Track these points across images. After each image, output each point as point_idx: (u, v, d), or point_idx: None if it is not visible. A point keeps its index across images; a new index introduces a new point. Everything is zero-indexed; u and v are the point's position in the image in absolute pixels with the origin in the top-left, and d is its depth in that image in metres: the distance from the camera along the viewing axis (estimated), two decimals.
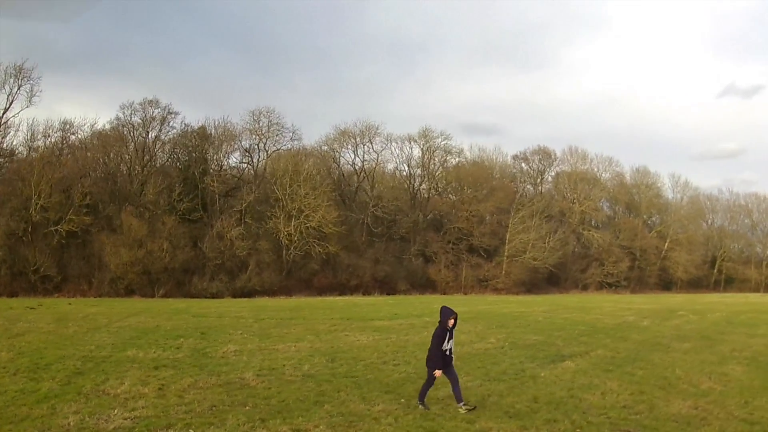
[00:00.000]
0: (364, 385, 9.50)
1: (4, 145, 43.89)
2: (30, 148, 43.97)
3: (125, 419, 7.32)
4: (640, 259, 54.94)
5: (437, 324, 8.17)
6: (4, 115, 42.16)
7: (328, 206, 40.51)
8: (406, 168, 51.11)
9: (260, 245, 39.62)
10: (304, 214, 40.60)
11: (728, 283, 57.71)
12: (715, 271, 57.84)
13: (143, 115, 42.87)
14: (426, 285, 46.08)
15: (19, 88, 41.60)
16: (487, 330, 17.13)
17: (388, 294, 42.96)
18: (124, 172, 41.45)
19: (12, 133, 42.82)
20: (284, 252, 40.98)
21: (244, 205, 40.82)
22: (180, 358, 11.80)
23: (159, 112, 43.09)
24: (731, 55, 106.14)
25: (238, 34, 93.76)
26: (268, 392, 8.90)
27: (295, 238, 40.27)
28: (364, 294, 41.90)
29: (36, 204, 38.27)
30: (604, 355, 12.92)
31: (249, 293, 38.59)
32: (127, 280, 36.72)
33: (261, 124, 45.68)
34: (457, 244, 48.50)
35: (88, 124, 43.27)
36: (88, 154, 42.47)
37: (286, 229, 40.14)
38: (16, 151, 44.66)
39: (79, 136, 43.74)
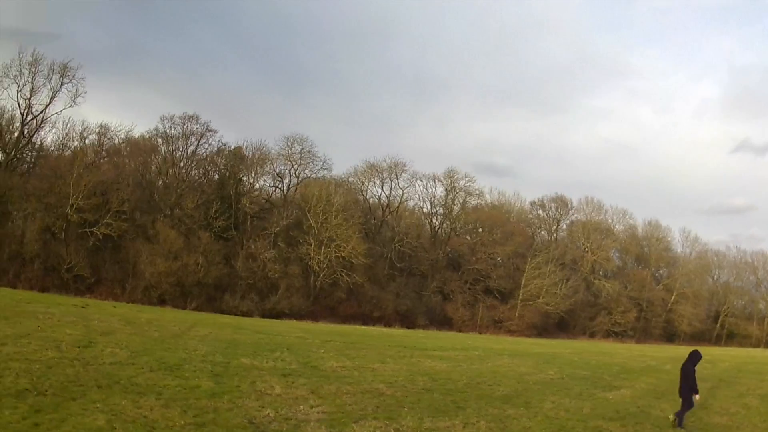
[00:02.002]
0: (481, 397, 12.61)
1: (41, 141, 47.20)
2: (62, 147, 47.32)
3: (318, 413, 9.82)
4: (646, 310, 58.60)
5: (686, 360, 11.56)
6: (44, 111, 45.61)
7: (359, 237, 43.98)
8: (428, 206, 55.03)
9: (291, 269, 42.84)
10: (335, 243, 44.01)
11: (729, 337, 61.35)
12: (718, 325, 61.57)
13: (182, 129, 46.62)
14: (443, 321, 49.21)
15: (61, 86, 45.16)
16: (540, 365, 20.47)
17: (407, 327, 45.97)
18: (161, 183, 44.71)
19: (47, 129, 46.16)
20: (312, 278, 44.20)
21: (277, 228, 44.18)
22: (297, 369, 14.33)
23: (197, 128, 46.84)
24: (747, 111, 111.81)
25: (262, 54, 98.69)
26: (407, 399, 11.62)
27: (324, 266, 43.56)
28: (385, 326, 44.91)
29: (73, 204, 41.30)
30: (647, 386, 16.45)
31: (277, 315, 41.53)
32: (160, 289, 39.64)
33: (293, 150, 49.63)
34: (474, 284, 51.96)
35: (124, 131, 46.81)
36: (126, 160, 45.87)
37: (317, 256, 43.45)
38: (49, 148, 48.02)
39: (115, 142, 47.34)
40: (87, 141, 47.78)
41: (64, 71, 45.55)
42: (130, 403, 9.08)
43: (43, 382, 9.53)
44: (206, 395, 10.19)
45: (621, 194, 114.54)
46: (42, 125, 45.68)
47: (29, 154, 47.78)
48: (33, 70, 45.99)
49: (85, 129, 47.43)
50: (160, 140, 46.50)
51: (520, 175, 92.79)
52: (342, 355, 18.67)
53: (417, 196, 55.21)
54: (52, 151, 48.07)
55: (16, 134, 47.44)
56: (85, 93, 44.63)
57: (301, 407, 10.41)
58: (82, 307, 26.44)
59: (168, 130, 46.40)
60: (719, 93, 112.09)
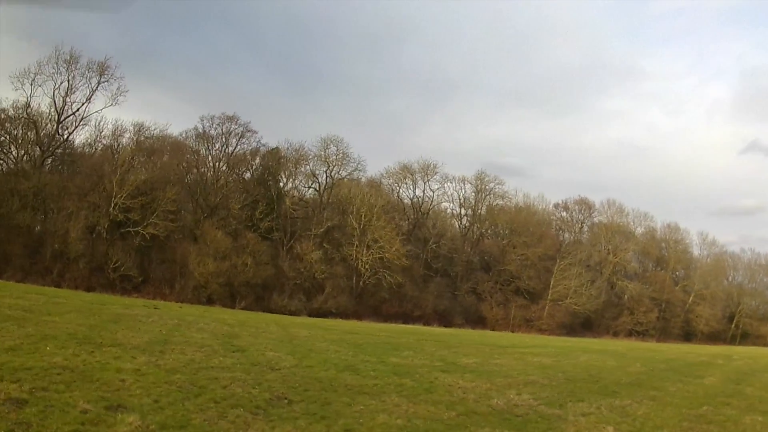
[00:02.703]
0: (614, 384, 14.30)
1: (77, 139, 47.17)
2: (96, 144, 47.38)
3: (529, 397, 11.39)
4: (665, 310, 60.75)
5: None
6: (84, 110, 45.67)
7: (402, 239, 45.01)
8: (457, 208, 56.30)
9: (336, 270, 43.65)
10: (378, 245, 44.95)
11: (744, 337, 63.92)
12: (733, 326, 64.11)
13: (221, 129, 47.07)
14: (477, 321, 50.54)
15: (98, 85, 45.25)
16: (619, 360, 22.08)
17: (444, 326, 47.18)
18: (205, 183, 45.05)
19: (82, 127, 46.19)
20: (356, 278, 45.06)
21: (320, 230, 44.94)
22: (451, 366, 15.62)
23: (237, 128, 47.36)
24: (757, 112, 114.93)
25: (276, 57, 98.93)
26: (565, 385, 13.30)
27: (368, 267, 44.47)
28: (424, 324, 46.01)
29: (117, 203, 41.49)
30: (722, 375, 18.25)
31: (324, 314, 42.32)
32: (210, 289, 40.17)
33: (329, 152, 50.39)
34: (506, 285, 53.41)
35: (158, 129, 47.12)
36: (167, 159, 46.07)
37: (361, 257, 44.34)
38: (85, 146, 48.02)
39: (153, 140, 47.55)
40: (123, 139, 48.05)
41: (102, 70, 45.76)
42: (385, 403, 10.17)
43: (273, 390, 10.01)
44: (419, 391, 11.41)
45: (632, 195, 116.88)
46: (81, 123, 45.83)
47: (66, 152, 47.74)
48: (70, 68, 46.16)
49: (118, 127, 47.68)
50: (200, 140, 46.96)
51: (533, 175, 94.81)
52: (458, 353, 19.75)
53: (446, 197, 56.54)
54: (87, 149, 48.16)
55: (51, 132, 47.59)
56: (126, 92, 44.83)
57: (512, 395, 11.64)
58: (155, 308, 27.02)
59: (207, 130, 46.89)
60: (730, 94, 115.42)
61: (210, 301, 39.89)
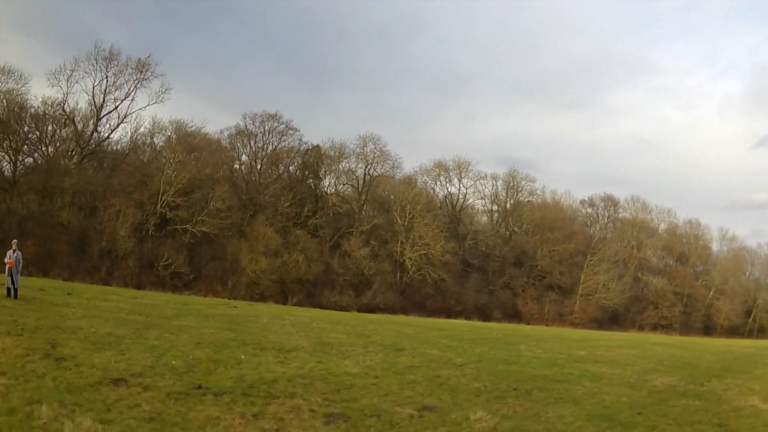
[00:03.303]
0: (723, 370, 16.11)
1: (113, 136, 47.28)
2: (134, 142, 47.58)
3: (671, 379, 13.16)
4: (687, 305, 62.71)
5: None
6: (128, 107, 45.85)
7: (446, 237, 46.06)
8: (489, 204, 57.50)
9: (382, 266, 44.54)
10: (424, 241, 45.92)
11: (760, 331, 66.22)
12: (750, 320, 66.40)
13: (264, 127, 47.61)
14: (513, 315, 51.90)
15: (138, 82, 45.39)
16: (689, 352, 23.44)
17: (484, 320, 48.38)
18: (252, 180, 45.53)
19: (119, 123, 46.37)
20: (400, 274, 46.00)
21: (367, 227, 45.75)
22: (570, 358, 17.05)
23: (278, 126, 47.98)
24: None
25: (286, 49, 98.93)
26: (684, 370, 15.07)
27: (413, 263, 45.45)
28: (466, 319, 47.17)
29: (166, 200, 41.79)
30: None
31: (372, 309, 43.30)
32: (262, 286, 40.93)
33: (367, 149, 51.17)
34: (538, 280, 54.80)
35: (195, 126, 47.55)
36: (207, 155, 46.36)
37: (407, 254, 45.29)
38: (126, 144, 48.17)
39: (191, 138, 47.88)
40: (162, 137, 48.29)
41: (142, 67, 45.90)
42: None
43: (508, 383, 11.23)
44: (600, 377, 13.02)
45: (643, 188, 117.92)
46: (124, 121, 45.94)
47: (106, 149, 47.77)
48: (109, 65, 46.23)
49: (155, 126, 47.94)
50: (242, 137, 47.40)
51: (544, 169, 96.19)
52: (563, 347, 20.90)
53: (477, 194, 57.71)
54: (127, 146, 48.25)
55: (89, 130, 47.59)
56: (171, 89, 45.05)
57: (657, 378, 13.23)
58: (234, 307, 27.74)
59: (249, 128, 47.37)
60: (742, 89, 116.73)
61: (262, 298, 40.55)
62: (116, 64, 46.10)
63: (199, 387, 8.65)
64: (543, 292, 54.55)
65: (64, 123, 47.45)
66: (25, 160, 45.84)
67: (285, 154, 47.49)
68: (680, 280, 63.04)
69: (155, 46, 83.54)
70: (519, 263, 55.94)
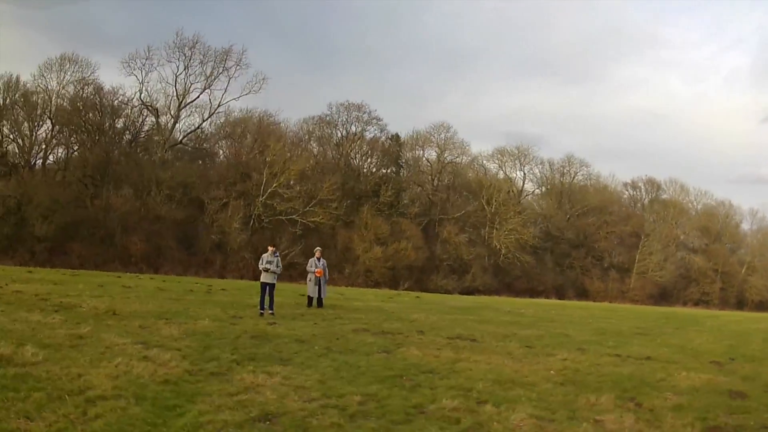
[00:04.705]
0: None
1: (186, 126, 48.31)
2: (224, 132, 48.81)
3: None
4: (723, 281, 68.69)
5: None
6: (204, 97, 46.94)
7: (532, 222, 49.61)
8: (547, 188, 61.32)
9: (478, 251, 47.69)
10: (512, 227, 49.31)
11: None
12: None
13: (348, 116, 49.73)
14: (582, 294, 56.14)
15: (219, 72, 46.49)
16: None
17: (559, 299, 52.33)
18: (351, 171, 47.65)
19: (208, 116, 47.60)
20: (492, 257, 49.29)
21: (460, 213, 48.75)
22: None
23: (362, 116, 50.21)
24: None
25: (290, 28, 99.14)
26: None
27: (505, 247, 48.82)
28: (545, 298, 51.01)
29: (276, 191, 43.52)
30: None
31: (471, 292, 46.46)
32: (376, 273, 43.34)
33: (440, 137, 53.98)
34: (599, 260, 59.19)
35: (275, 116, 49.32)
36: (302, 146, 48.16)
37: (500, 239, 48.59)
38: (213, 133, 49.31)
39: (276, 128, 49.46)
40: (247, 126, 49.50)
41: (226, 57, 46.94)
42: None
43: None
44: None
45: (651, 162, 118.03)
46: (217, 111, 46.95)
47: (196, 140, 48.68)
48: (194, 54, 47.02)
49: (244, 118, 49.12)
50: (329, 127, 49.33)
51: (551, 143, 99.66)
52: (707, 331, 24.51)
53: (535, 179, 61.55)
54: (216, 137, 49.32)
55: (170, 120, 48.34)
56: (264, 80, 46.26)
57: None
58: (390, 298, 30.35)
59: (335, 118, 49.33)
60: (749, 63, 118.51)
61: (376, 285, 43.00)
62: (199, 53, 46.96)
63: None
64: (604, 272, 59.03)
65: (149, 113, 48.13)
66: (114, 152, 46.32)
67: (373, 144, 49.72)
68: (717, 257, 68.86)
69: (158, 30, 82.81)
70: (581, 245, 60.16)
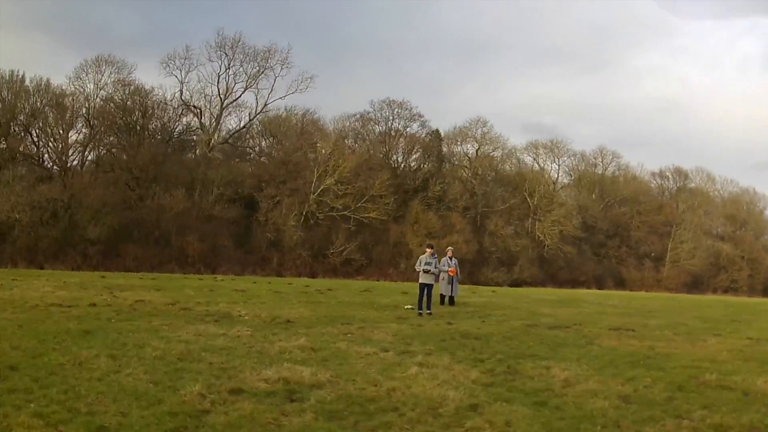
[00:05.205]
0: None
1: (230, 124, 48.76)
2: (268, 130, 49.34)
3: None
4: (751, 268, 70.22)
5: None
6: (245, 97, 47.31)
7: (576, 215, 50.70)
8: (580, 179, 62.41)
9: (524, 243, 48.70)
10: (554, 218, 50.34)
11: None
12: None
13: (390, 113, 50.44)
14: (619, 283, 57.34)
15: (261, 71, 46.81)
16: None
17: (599, 289, 53.52)
18: (399, 166, 48.40)
19: (254, 115, 48.02)
20: (537, 249, 50.35)
21: (503, 206, 49.73)
22: None
23: (404, 113, 50.88)
24: None
25: (303, 25, 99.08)
26: None
27: (549, 239, 49.88)
28: (587, 288, 52.18)
29: (329, 188, 44.18)
30: None
31: (519, 284, 47.39)
32: None
33: (477, 132, 54.84)
34: (633, 249, 60.42)
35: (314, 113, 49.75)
36: (348, 143, 48.76)
37: (545, 231, 49.62)
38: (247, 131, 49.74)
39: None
40: (290, 124, 50.10)
41: (268, 56, 47.37)
42: None
43: None
44: None
45: (668, 150, 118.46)
46: (265, 110, 47.47)
47: (241, 138, 49.19)
48: (236, 53, 47.42)
49: (288, 112, 49.68)
50: (372, 123, 50.04)
51: (568, 133, 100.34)
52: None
53: (568, 170, 62.58)
54: (261, 134, 49.90)
55: (213, 119, 48.81)
56: (312, 78, 46.74)
57: None
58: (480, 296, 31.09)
59: (377, 114, 50.05)
60: (764, 49, 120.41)
61: None
62: (241, 52, 47.28)
63: None
64: (639, 261, 60.29)
65: (190, 113, 48.56)
66: (159, 152, 46.63)
67: (415, 139, 50.49)
68: (743, 245, 70.37)
69: (170, 29, 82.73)
70: (615, 234, 61.37)
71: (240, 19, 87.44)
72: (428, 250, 17.17)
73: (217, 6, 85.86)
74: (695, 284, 65.45)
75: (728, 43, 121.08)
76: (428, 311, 16.56)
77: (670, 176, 69.55)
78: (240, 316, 13.87)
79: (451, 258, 19.65)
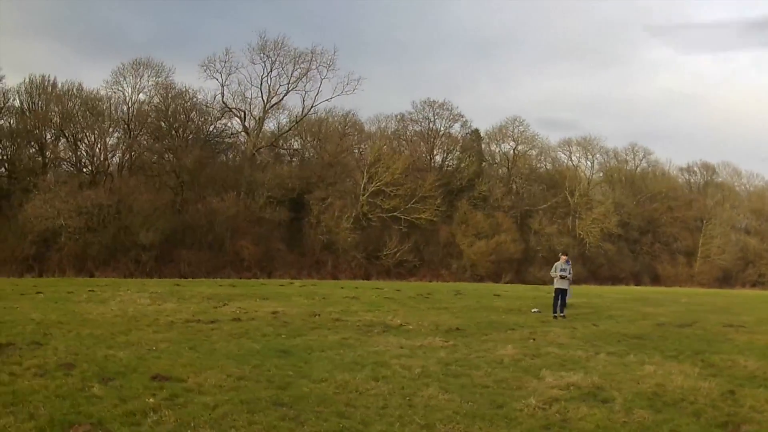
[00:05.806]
0: None
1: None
2: (313, 133, 49.98)
3: None
4: None
5: None
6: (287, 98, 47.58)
7: (615, 213, 51.81)
8: (613, 176, 63.53)
9: (566, 241, 49.76)
10: (594, 216, 51.45)
11: None
12: None
13: (432, 113, 51.25)
14: (655, 279, 58.57)
15: (304, 73, 47.28)
16: None
17: (636, 285, 54.75)
18: (443, 167, 49.32)
19: (301, 116, 48.40)
20: (579, 247, 51.47)
21: (545, 205, 50.76)
22: None
23: (446, 113, 51.69)
24: None
25: (318, 26, 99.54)
26: None
27: (591, 236, 51.01)
28: (626, 284, 53.38)
29: (380, 189, 44.98)
30: None
31: None
32: (480, 267, 45.15)
33: (515, 131, 55.76)
34: (667, 245, 61.67)
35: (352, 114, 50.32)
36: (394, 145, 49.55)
37: (588, 229, 50.73)
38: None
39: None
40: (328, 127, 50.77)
41: (311, 58, 47.90)
42: None
43: None
44: None
45: (683, 142, 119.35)
46: (312, 111, 48.07)
47: (286, 139, 49.87)
48: (280, 55, 47.94)
49: (329, 114, 50.36)
50: (412, 124, 50.88)
51: (585, 128, 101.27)
52: None
53: (600, 167, 63.68)
54: (305, 136, 50.57)
55: (257, 122, 49.47)
56: (358, 80, 47.24)
57: None
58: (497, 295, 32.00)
59: (419, 115, 50.84)
60: None
61: (481, 279, 44.90)
62: (283, 54, 47.76)
63: None
64: (672, 257, 61.56)
65: (233, 115, 49.17)
66: (205, 155, 47.15)
67: (456, 139, 51.44)
68: None
69: (181, 36, 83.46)
70: (648, 231, 62.57)
71: (254, 21, 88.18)
72: (563, 256, 18.14)
73: (230, 11, 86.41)
74: (725, 279, 66.78)
75: (742, 35, 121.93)
76: (561, 314, 17.50)
77: (697, 171, 70.80)
78: (402, 325, 14.08)
79: (567, 262, 20.44)
